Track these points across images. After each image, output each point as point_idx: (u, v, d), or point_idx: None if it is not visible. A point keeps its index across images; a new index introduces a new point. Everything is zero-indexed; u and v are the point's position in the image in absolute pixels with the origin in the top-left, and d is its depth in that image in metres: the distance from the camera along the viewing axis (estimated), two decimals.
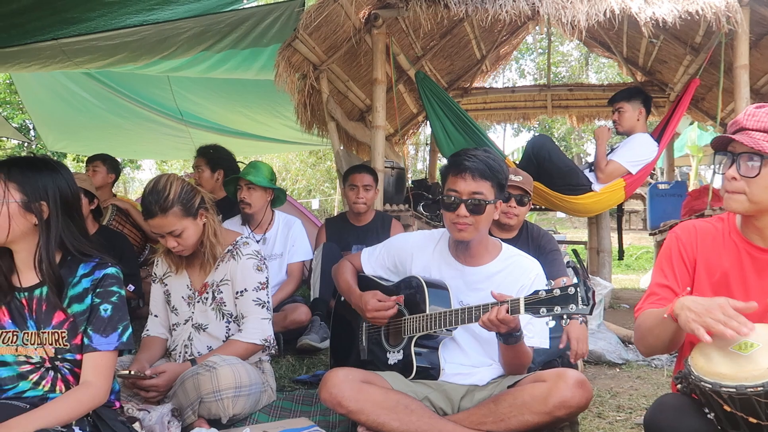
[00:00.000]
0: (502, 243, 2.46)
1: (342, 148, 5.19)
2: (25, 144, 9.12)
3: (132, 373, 2.28)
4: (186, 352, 2.58)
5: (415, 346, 2.33)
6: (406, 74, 5.76)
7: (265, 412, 2.49)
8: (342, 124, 5.21)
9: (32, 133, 14.29)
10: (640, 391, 2.98)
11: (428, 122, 5.42)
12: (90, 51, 4.80)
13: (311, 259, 3.98)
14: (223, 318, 2.57)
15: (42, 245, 1.82)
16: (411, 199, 5.03)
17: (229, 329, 2.57)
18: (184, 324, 2.61)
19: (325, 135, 5.34)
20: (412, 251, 2.50)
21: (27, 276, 1.89)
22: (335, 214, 14.60)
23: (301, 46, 4.40)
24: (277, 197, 3.93)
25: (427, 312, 2.28)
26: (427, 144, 8.84)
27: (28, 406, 1.77)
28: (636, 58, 6.45)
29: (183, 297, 2.62)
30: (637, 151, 4.52)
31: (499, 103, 7.41)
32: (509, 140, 24.53)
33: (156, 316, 2.68)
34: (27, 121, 14.47)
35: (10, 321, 1.86)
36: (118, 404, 2.00)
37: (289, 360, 3.36)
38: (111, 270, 1.90)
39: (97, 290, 1.87)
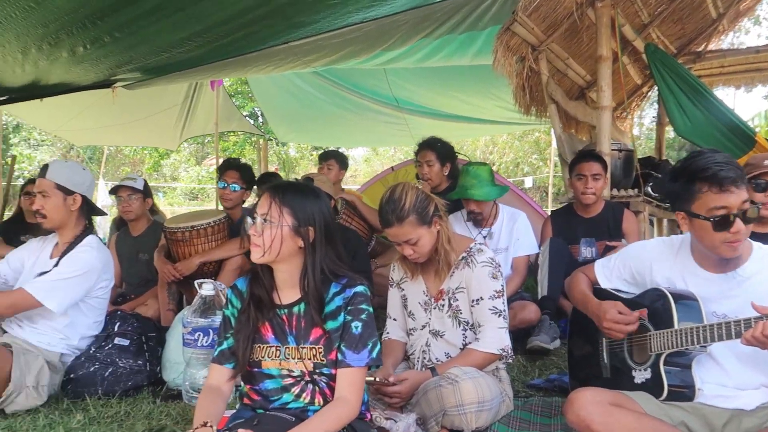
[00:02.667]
0: (752, 241, 2.15)
1: (563, 131, 4.94)
2: (261, 138, 9.94)
3: (377, 379, 2.37)
4: (424, 358, 2.62)
5: (664, 365, 2.13)
6: (630, 45, 5.30)
7: (505, 423, 2.45)
8: (562, 105, 4.96)
9: (260, 120, 15.73)
10: None
11: (659, 96, 4.95)
12: (317, 50, 5.08)
13: (536, 253, 3.86)
14: (460, 325, 2.56)
15: (308, 266, 1.93)
16: (641, 182, 4.64)
17: (466, 336, 2.56)
18: (421, 329, 2.66)
19: (544, 116, 5.13)
20: (650, 261, 2.28)
21: (286, 294, 2.02)
22: (549, 194, 14.20)
23: (519, 29, 4.24)
24: None
25: (676, 327, 2.07)
26: (653, 118, 8.12)
27: (293, 419, 1.90)
28: None
29: (420, 303, 2.66)
30: None
31: (739, 65, 6.53)
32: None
33: (395, 319, 2.75)
34: (256, 109, 15.97)
35: (273, 336, 2.01)
36: (369, 415, 2.09)
37: (520, 361, 3.29)
38: (360, 288, 1.97)
39: (349, 308, 1.95)
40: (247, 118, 11.09)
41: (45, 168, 2.93)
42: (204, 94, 7.57)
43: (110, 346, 2.91)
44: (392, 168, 6.47)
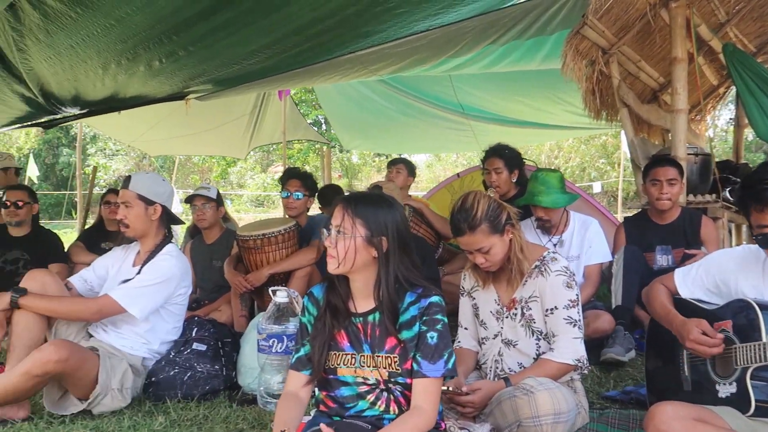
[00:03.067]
0: None
1: (635, 135, 4.81)
2: (325, 146, 10.10)
3: (450, 389, 2.36)
4: (497, 368, 2.60)
5: (751, 379, 2.05)
6: (706, 45, 5.12)
7: None
8: (634, 109, 4.83)
9: (323, 127, 15.97)
10: None
11: (737, 97, 4.76)
12: (383, 59, 5.12)
13: (609, 261, 3.77)
14: (533, 335, 2.53)
15: (382, 276, 1.95)
16: (719, 186, 4.46)
17: (539, 346, 2.52)
18: (493, 339, 2.63)
19: (615, 121, 5.01)
20: (735, 270, 2.21)
21: (362, 303, 2.04)
22: (619, 199, 13.81)
23: (590, 32, 4.16)
24: None
25: (764, 339, 2.00)
26: (729, 120, 7.80)
27: (369, 427, 1.92)
28: None
29: (491, 312, 2.64)
30: None
31: None
32: None
33: (466, 328, 2.74)
34: (320, 117, 16.24)
35: (348, 344, 2.03)
36: (443, 425, 2.09)
37: (594, 371, 3.22)
38: (435, 298, 1.97)
39: (424, 318, 1.95)
40: (311, 126, 11.29)
41: (128, 179, 3.06)
42: (271, 104, 7.74)
43: (188, 351, 3.01)
44: (458, 175, 6.44)
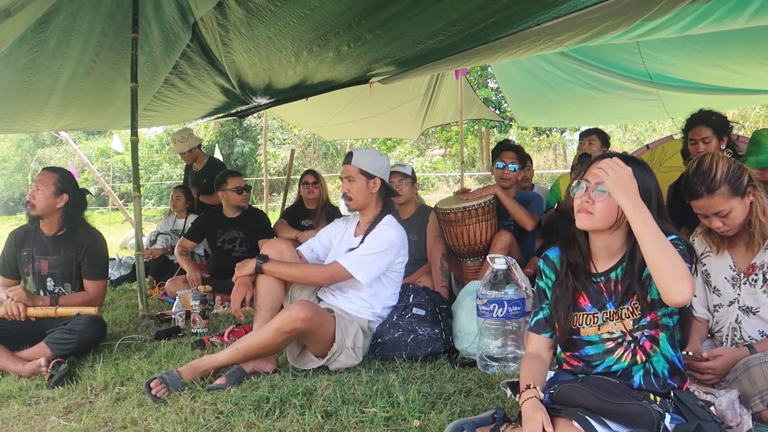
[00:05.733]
0: None
1: None
2: (504, 122, 10.05)
3: (690, 354, 2.31)
4: (734, 336, 2.50)
5: None
6: None
7: None
8: None
9: (491, 106, 15.89)
10: None
11: None
12: (571, 28, 4.97)
13: None
14: None
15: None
16: None
17: None
18: (729, 306, 2.53)
19: None
20: None
21: (602, 262, 2.07)
22: None
23: None
24: None
25: None
26: None
27: (617, 382, 1.94)
28: None
29: (726, 278, 2.54)
30: None
31: None
32: None
33: (695, 296, 2.65)
34: (490, 95, 16.19)
35: (589, 304, 2.07)
36: (687, 383, 2.05)
37: None
38: (680, 246, 1.94)
39: None
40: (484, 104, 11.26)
41: (350, 155, 3.29)
42: (445, 84, 7.84)
43: (409, 315, 3.19)
44: (647, 146, 6.14)
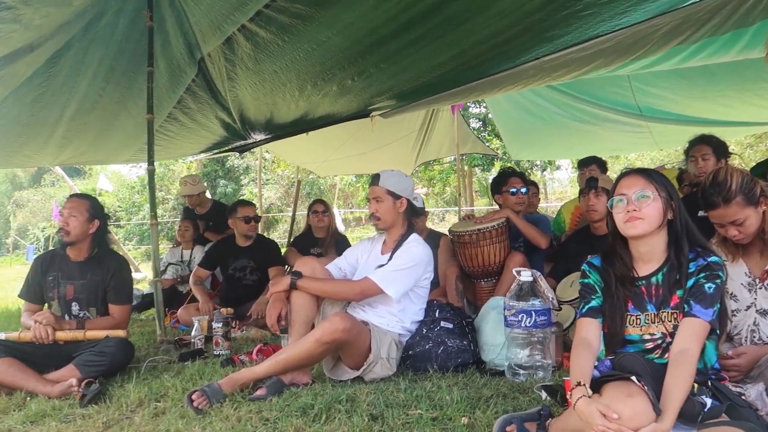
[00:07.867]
0: None
1: None
2: (497, 158, 10.32)
3: None
4: (753, 337, 2.66)
5: None
6: None
7: None
8: None
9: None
10: None
11: None
12: (567, 64, 5.22)
13: None
14: None
15: (680, 236, 2.18)
16: None
17: None
18: (746, 310, 2.70)
19: None
20: None
21: (643, 267, 2.26)
22: None
23: None
24: None
25: None
26: None
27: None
28: None
29: (742, 284, 2.71)
30: None
31: None
32: None
33: None
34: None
35: (632, 306, 2.25)
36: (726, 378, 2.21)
37: None
38: (716, 258, 2.15)
39: (705, 273, 2.12)
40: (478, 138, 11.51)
41: (377, 177, 3.44)
42: (440, 118, 8.08)
43: (438, 328, 3.31)
44: None
